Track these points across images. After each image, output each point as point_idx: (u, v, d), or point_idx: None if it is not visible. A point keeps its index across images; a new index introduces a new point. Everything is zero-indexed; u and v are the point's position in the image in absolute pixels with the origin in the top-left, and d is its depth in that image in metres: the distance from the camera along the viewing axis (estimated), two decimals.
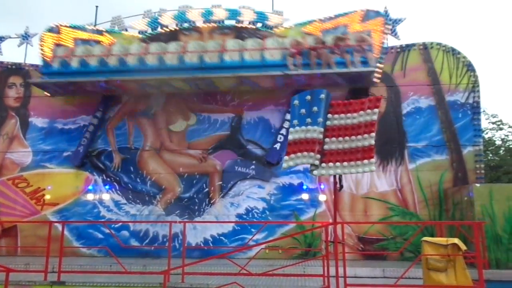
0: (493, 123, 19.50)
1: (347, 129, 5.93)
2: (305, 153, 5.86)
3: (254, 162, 12.48)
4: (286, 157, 6.02)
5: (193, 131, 13.02)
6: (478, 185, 10.11)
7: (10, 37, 14.80)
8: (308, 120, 5.98)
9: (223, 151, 12.73)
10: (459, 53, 12.39)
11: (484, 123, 19.18)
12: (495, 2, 46.81)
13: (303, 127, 5.99)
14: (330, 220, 10.97)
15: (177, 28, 13.72)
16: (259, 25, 13.33)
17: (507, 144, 19.15)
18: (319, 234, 11.30)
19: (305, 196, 12.02)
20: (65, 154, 13.15)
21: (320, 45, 11.66)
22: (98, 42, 13.63)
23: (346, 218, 11.59)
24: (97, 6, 14.65)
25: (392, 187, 11.93)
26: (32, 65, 14.11)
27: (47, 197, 12.87)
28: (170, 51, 12.21)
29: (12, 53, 15.26)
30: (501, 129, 19.41)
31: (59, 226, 9.28)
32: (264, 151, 12.49)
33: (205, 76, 11.77)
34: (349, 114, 6.00)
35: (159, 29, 13.79)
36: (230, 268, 7.10)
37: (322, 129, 5.94)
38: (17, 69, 14.14)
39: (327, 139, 5.95)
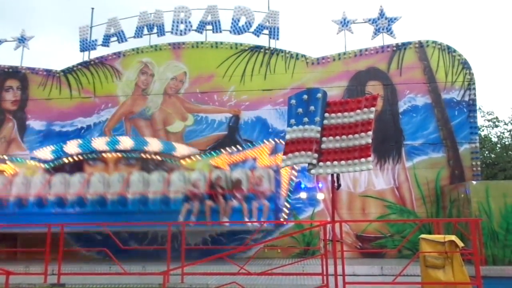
0: (489, 120, 19.60)
1: (344, 128, 5.96)
2: (303, 152, 5.89)
3: None
4: (284, 157, 6.05)
5: (190, 131, 13.05)
6: (474, 182, 10.17)
7: (6, 40, 14.81)
8: (305, 119, 6.00)
9: None
10: (454, 51, 12.46)
11: (480, 121, 19.29)
12: (490, 0, 46.99)
13: (300, 127, 6.01)
14: (328, 219, 11.01)
15: (82, 158, 12.41)
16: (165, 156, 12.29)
17: (503, 141, 19.24)
18: (318, 233, 11.34)
19: (303, 195, 12.05)
20: None
21: (218, 189, 10.48)
22: (0, 171, 12.56)
23: (344, 217, 11.64)
24: (93, 8, 14.66)
25: (390, 185, 11.99)
26: (29, 68, 14.13)
27: None
28: (73, 186, 11.27)
29: (9, 57, 15.27)
30: (496, 126, 19.50)
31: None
32: None
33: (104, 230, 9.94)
34: (346, 113, 6.03)
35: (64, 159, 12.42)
36: (229, 268, 7.13)
37: (319, 128, 5.97)
38: (14, 72, 14.16)
39: (324, 138, 5.99)
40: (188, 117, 13.16)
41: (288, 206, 11.78)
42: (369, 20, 13.21)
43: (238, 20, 13.59)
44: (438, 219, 11.00)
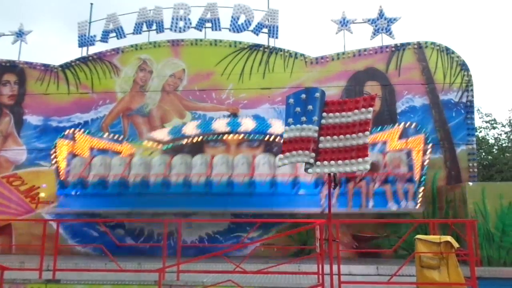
0: (486, 122, 19.66)
1: (342, 127, 5.97)
2: (300, 151, 5.89)
3: None
4: (281, 155, 6.05)
5: None
6: (471, 183, 10.20)
7: (4, 34, 14.73)
8: (303, 118, 6.00)
9: None
10: (453, 52, 12.48)
11: (478, 122, 19.35)
12: (488, 1, 47.12)
13: (298, 126, 6.02)
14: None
15: (202, 139, 12.51)
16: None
17: (500, 143, 19.31)
18: (314, 232, 11.32)
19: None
20: None
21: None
22: (116, 152, 12.70)
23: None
24: (92, 4, 14.59)
25: None
26: (27, 63, 14.08)
27: (42, 195, 12.82)
28: (194, 167, 11.08)
29: (6, 51, 15.20)
30: (494, 128, 19.56)
31: (54, 224, 9.28)
32: None
33: (232, 211, 10.57)
34: (343, 113, 6.03)
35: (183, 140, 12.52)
36: (225, 266, 7.14)
37: (317, 128, 5.97)
38: (11, 67, 14.09)
39: (322, 138, 5.99)
40: (186, 114, 13.15)
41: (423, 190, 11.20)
42: (369, 20, 13.22)
43: (238, 18, 13.57)
44: (434, 220, 11.03)
